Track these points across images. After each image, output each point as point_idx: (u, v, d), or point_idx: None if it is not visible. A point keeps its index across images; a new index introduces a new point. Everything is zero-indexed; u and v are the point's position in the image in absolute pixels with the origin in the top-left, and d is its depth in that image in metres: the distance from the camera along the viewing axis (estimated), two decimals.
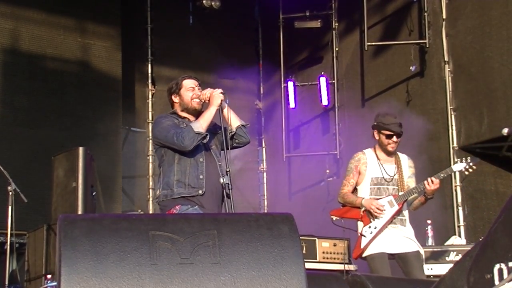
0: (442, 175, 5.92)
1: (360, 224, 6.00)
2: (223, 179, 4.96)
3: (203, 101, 5.21)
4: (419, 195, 5.99)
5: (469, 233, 8.61)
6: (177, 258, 3.01)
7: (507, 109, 8.23)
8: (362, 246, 5.91)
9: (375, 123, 6.08)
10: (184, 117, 5.24)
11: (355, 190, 6.07)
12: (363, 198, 5.93)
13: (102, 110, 9.69)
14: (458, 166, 6.03)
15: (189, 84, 5.29)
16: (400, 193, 5.93)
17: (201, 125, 5.03)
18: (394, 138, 5.94)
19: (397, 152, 6.09)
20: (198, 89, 5.27)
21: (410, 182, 6.04)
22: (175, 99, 5.30)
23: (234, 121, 5.22)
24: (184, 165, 5.05)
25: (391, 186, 5.97)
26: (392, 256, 5.92)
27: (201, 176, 5.01)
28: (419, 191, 5.94)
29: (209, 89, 5.20)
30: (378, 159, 6.03)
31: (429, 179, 5.83)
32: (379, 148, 6.06)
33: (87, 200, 7.38)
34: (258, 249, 3.09)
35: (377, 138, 6.06)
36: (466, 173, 6.06)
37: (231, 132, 5.18)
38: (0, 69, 9.12)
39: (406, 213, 6.03)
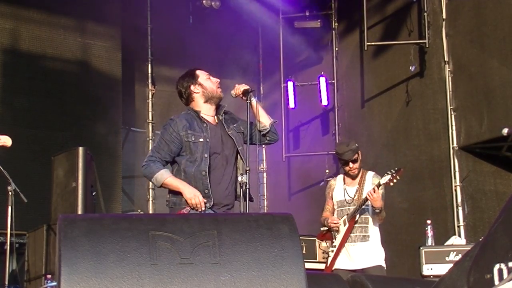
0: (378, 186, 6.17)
1: (327, 244, 6.53)
2: (241, 178, 4.91)
3: (234, 96, 5.12)
4: (373, 209, 6.22)
5: (469, 233, 8.60)
6: (177, 258, 3.01)
7: (506, 109, 8.23)
8: (328, 264, 6.37)
9: (335, 152, 6.56)
10: (205, 119, 5.05)
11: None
12: (326, 218, 6.42)
13: (102, 110, 9.68)
14: (385, 178, 6.19)
15: (204, 74, 5.18)
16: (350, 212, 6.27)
17: (164, 182, 4.96)
18: (350, 164, 6.30)
19: (365, 171, 6.45)
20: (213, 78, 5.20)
21: None
22: (196, 89, 5.10)
23: (265, 118, 5.15)
24: (189, 178, 4.95)
25: (352, 207, 6.29)
26: (354, 272, 6.12)
27: (206, 191, 4.91)
28: (360, 205, 6.20)
29: (243, 85, 5.12)
30: (344, 183, 6.43)
31: (371, 189, 6.10)
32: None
33: (87, 200, 7.38)
34: (258, 249, 3.09)
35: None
36: (391, 184, 6.17)
37: (265, 129, 5.12)
38: (0, 69, 9.12)
39: (370, 229, 6.27)
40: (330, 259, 6.34)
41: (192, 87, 5.11)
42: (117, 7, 10.09)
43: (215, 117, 5.14)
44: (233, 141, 5.07)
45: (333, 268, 6.29)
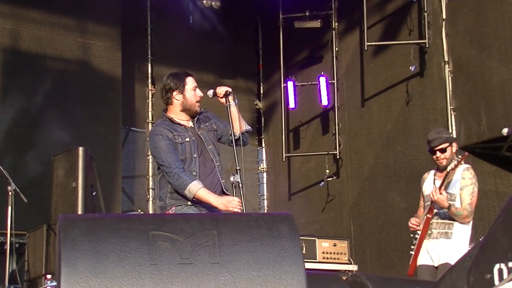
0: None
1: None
2: (233, 178, 4.92)
3: (211, 96, 5.17)
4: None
5: None
6: (177, 258, 3.01)
7: (505, 108, 8.23)
8: (410, 262, 5.94)
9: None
10: (179, 123, 5.11)
11: None
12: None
13: (102, 110, 9.68)
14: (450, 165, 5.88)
15: (192, 83, 5.16)
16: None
17: (196, 194, 4.88)
18: (437, 153, 5.86)
19: (461, 165, 5.84)
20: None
21: (462, 193, 5.86)
22: (177, 96, 5.09)
23: (240, 125, 5.17)
24: None
25: None
26: (436, 268, 5.85)
27: None
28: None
29: (225, 87, 5.15)
30: (435, 176, 5.98)
31: (434, 189, 5.76)
32: None
33: (87, 200, 7.38)
34: (258, 249, 3.09)
35: None
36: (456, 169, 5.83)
37: (234, 135, 5.08)
38: (0, 69, 9.11)
39: (456, 227, 5.89)
40: (412, 257, 5.89)
41: (174, 93, 5.11)
42: (117, 7, 10.08)
43: (189, 121, 5.18)
44: (202, 140, 5.10)
45: (417, 265, 5.86)
